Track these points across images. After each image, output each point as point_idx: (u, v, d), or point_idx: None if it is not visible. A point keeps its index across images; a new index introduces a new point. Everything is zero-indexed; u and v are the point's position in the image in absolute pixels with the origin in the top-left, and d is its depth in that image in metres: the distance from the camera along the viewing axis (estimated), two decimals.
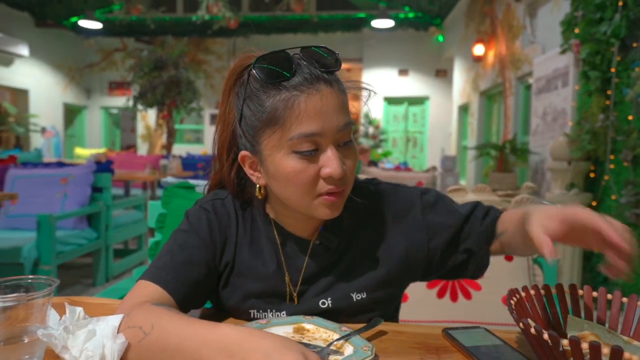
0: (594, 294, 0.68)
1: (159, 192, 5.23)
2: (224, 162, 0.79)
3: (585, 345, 0.47)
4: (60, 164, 3.24)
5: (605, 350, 0.46)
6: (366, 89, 0.78)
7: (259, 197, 0.76)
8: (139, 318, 0.59)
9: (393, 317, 0.87)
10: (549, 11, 4.37)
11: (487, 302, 1.30)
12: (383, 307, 0.80)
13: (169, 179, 1.35)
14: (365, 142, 9.14)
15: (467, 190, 2.02)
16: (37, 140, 9.14)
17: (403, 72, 9.72)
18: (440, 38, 8.93)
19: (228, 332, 0.53)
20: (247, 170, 0.75)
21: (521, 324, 0.55)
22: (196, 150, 9.44)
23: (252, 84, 0.70)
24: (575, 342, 0.48)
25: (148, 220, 1.26)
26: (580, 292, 0.68)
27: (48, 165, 3.27)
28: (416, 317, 1.28)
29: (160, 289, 0.68)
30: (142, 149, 10.60)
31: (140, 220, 3.70)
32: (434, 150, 9.69)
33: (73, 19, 9.26)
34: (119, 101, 10.48)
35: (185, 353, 0.54)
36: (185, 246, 0.74)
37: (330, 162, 0.67)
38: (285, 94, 0.66)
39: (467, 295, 1.31)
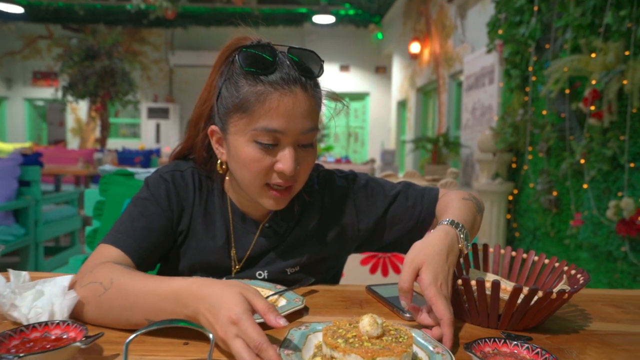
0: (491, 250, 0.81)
1: (94, 187, 4.98)
2: (200, 130, 0.82)
3: (473, 283, 0.58)
4: None
5: (488, 285, 0.57)
6: (342, 103, 0.82)
7: (220, 171, 0.81)
8: (99, 275, 0.63)
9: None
10: (477, 13, 4.68)
11: None
12: (317, 278, 0.87)
13: (107, 167, 1.32)
14: None
15: (397, 177, 2.16)
16: None
17: (344, 67, 9.92)
18: (380, 35, 9.21)
19: (180, 284, 0.58)
20: (214, 144, 0.80)
21: None
22: (132, 145, 8.95)
23: (235, 68, 0.73)
24: (466, 280, 0.58)
25: (85, 209, 1.23)
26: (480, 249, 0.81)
27: None
28: None
29: (120, 252, 0.71)
30: (73, 143, 9.98)
31: (73, 216, 3.53)
32: (375, 145, 9.98)
33: None
34: (46, 92, 9.82)
35: (144, 307, 0.58)
36: (145, 213, 0.78)
37: (285, 159, 0.72)
38: (260, 88, 0.70)
39: (397, 270, 1.43)
